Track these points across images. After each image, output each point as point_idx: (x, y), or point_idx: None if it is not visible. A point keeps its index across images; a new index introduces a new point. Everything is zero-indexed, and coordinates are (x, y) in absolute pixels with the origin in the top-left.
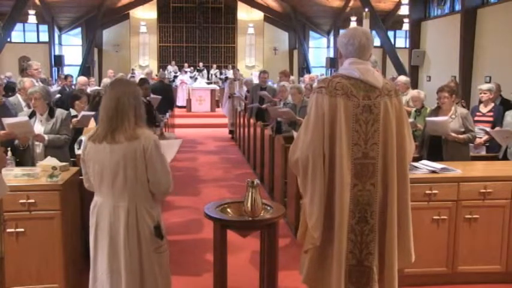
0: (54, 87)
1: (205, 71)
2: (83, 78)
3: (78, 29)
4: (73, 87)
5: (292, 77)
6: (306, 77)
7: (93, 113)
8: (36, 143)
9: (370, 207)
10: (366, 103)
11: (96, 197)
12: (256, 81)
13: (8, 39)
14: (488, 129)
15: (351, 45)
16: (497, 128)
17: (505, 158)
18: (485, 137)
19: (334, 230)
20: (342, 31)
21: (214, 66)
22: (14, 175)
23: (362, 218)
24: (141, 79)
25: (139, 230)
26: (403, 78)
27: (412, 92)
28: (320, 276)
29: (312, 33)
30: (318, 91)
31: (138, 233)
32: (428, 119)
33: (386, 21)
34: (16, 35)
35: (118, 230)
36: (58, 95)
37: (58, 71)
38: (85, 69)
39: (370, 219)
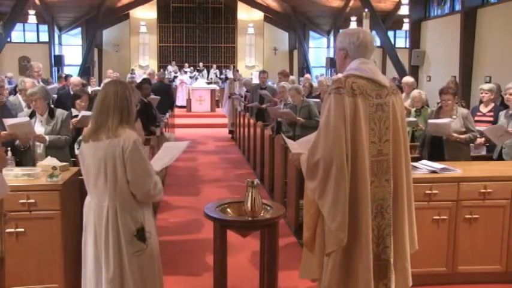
0: (54, 85)
1: (205, 71)
2: (76, 79)
3: (78, 29)
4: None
5: (292, 77)
6: (303, 78)
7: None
8: (37, 143)
9: (385, 202)
10: (379, 102)
11: (87, 196)
12: (256, 81)
13: (8, 39)
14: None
15: (363, 46)
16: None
17: (500, 158)
18: (482, 139)
19: (359, 228)
20: (342, 31)
21: (214, 66)
22: (14, 175)
23: (378, 214)
24: (144, 79)
25: (119, 232)
26: (410, 80)
27: (414, 92)
28: (346, 276)
29: (312, 33)
30: (335, 91)
31: (119, 234)
32: (430, 121)
33: (386, 21)
34: (16, 35)
35: (101, 230)
36: (55, 96)
37: (58, 71)
38: (85, 69)
39: (386, 214)
